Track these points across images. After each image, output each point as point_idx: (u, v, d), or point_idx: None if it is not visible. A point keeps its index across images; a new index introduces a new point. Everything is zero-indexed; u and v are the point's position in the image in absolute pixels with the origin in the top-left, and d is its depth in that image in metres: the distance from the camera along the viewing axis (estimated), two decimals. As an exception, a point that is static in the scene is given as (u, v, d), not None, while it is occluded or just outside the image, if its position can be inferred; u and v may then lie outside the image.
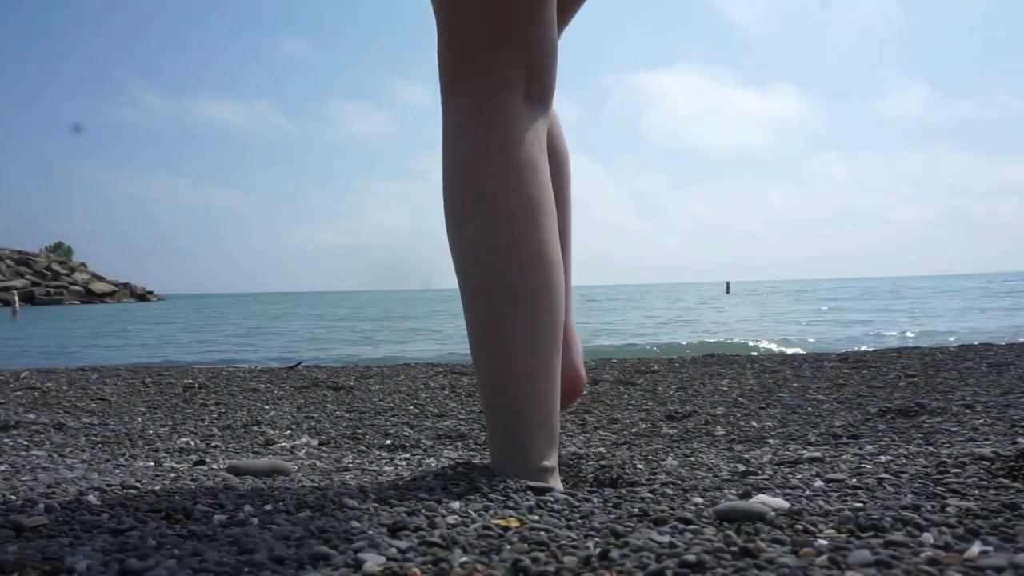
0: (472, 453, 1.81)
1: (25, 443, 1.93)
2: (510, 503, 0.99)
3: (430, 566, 0.72)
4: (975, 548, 0.72)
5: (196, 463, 1.66)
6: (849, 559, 0.68)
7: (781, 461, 1.42)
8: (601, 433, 2.15)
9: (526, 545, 0.77)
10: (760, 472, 1.24)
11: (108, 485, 1.09)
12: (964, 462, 1.20)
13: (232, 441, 2.10)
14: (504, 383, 1.05)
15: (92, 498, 0.97)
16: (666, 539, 0.77)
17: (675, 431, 2.12)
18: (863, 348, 5.91)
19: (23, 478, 1.37)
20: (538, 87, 1.08)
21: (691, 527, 0.84)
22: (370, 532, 0.83)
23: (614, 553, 0.72)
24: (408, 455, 1.88)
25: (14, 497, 0.97)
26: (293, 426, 2.38)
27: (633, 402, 2.78)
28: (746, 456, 1.54)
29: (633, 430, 2.18)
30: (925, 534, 0.78)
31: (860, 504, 0.95)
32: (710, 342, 8.70)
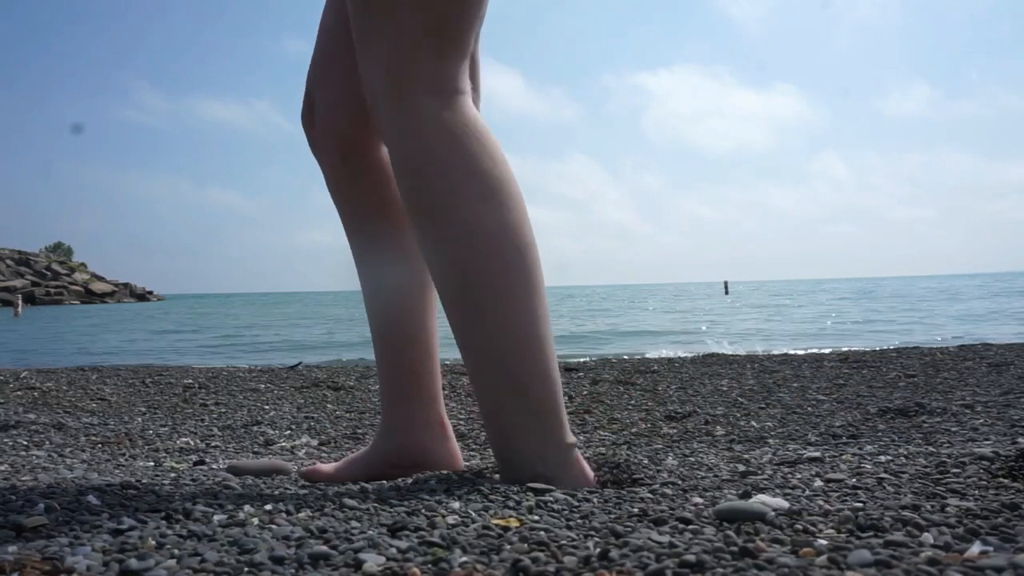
0: (472, 453, 1.81)
1: (25, 443, 1.93)
2: (510, 503, 0.99)
3: (430, 566, 0.72)
4: (975, 548, 0.72)
5: (196, 463, 1.66)
6: (849, 559, 0.68)
7: (781, 461, 1.42)
8: (601, 433, 2.15)
9: (526, 545, 0.77)
10: (760, 472, 1.24)
11: (108, 485, 1.09)
12: (964, 462, 1.20)
13: (232, 441, 2.10)
14: (519, 364, 1.04)
15: (92, 498, 0.97)
16: (666, 539, 0.77)
17: (675, 431, 2.12)
18: (863, 348, 5.92)
19: (23, 478, 1.37)
20: (475, 94, 1.16)
21: (691, 527, 0.84)
22: (370, 532, 0.84)
23: (614, 553, 0.72)
24: (408, 455, 1.88)
25: (14, 497, 0.97)
26: (293, 426, 2.38)
27: (633, 402, 2.78)
28: (746, 456, 1.54)
29: (633, 430, 2.18)
30: (925, 534, 0.78)
31: (860, 504, 0.95)
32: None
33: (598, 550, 0.74)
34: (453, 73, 1.09)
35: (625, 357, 5.54)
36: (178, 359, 7.84)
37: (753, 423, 2.19)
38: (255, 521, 0.88)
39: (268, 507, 0.96)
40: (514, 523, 0.89)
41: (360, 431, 2.26)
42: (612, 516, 0.92)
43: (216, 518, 0.90)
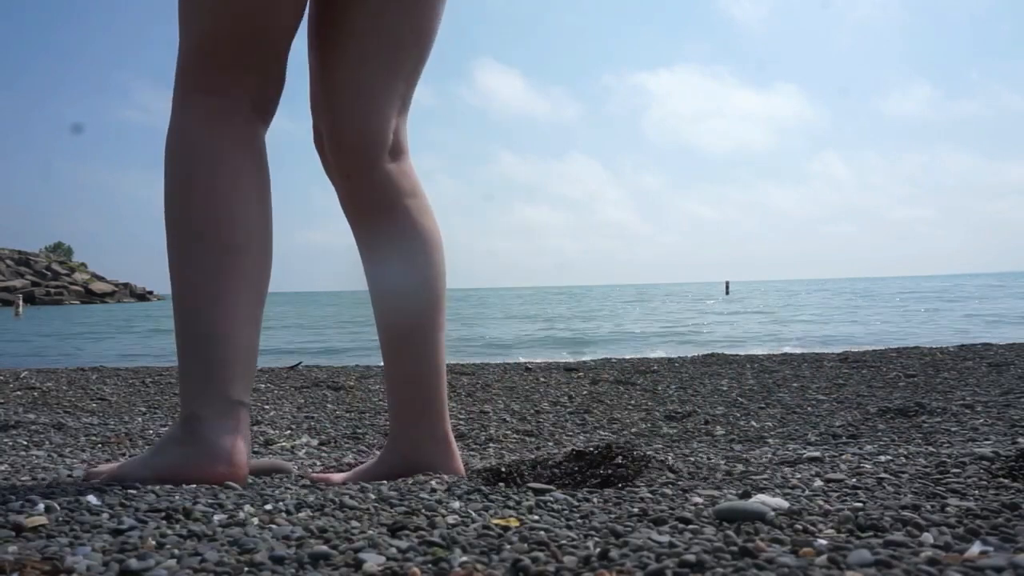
0: (472, 453, 1.81)
1: (25, 443, 1.94)
2: (510, 503, 0.99)
3: (430, 566, 0.72)
4: (975, 548, 0.72)
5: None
6: (849, 559, 0.68)
7: (781, 461, 1.42)
8: (601, 433, 2.15)
9: (526, 545, 0.77)
10: (760, 472, 1.24)
11: (108, 485, 1.09)
12: (964, 462, 1.20)
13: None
14: (194, 318, 1.15)
15: (92, 498, 0.97)
16: (666, 539, 0.77)
17: (675, 431, 2.12)
18: (863, 348, 5.92)
19: (23, 478, 1.37)
20: (268, 103, 1.25)
21: (691, 527, 0.84)
22: (370, 532, 0.84)
23: (614, 553, 0.72)
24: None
25: (14, 497, 0.97)
26: (293, 426, 2.38)
27: (633, 402, 2.78)
28: (746, 456, 1.54)
29: (633, 430, 2.18)
30: (925, 534, 0.78)
31: (860, 504, 0.95)
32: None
33: (598, 550, 0.74)
34: (229, 80, 1.21)
35: (626, 356, 5.54)
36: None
37: (753, 423, 2.19)
38: (255, 521, 0.88)
39: (268, 507, 0.96)
40: (514, 523, 0.89)
41: (360, 431, 2.26)
42: (612, 516, 0.92)
43: (216, 518, 0.90)
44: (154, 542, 0.79)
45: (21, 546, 0.77)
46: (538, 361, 5.31)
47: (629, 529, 0.83)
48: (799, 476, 1.18)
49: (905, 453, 1.42)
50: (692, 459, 1.47)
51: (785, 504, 0.92)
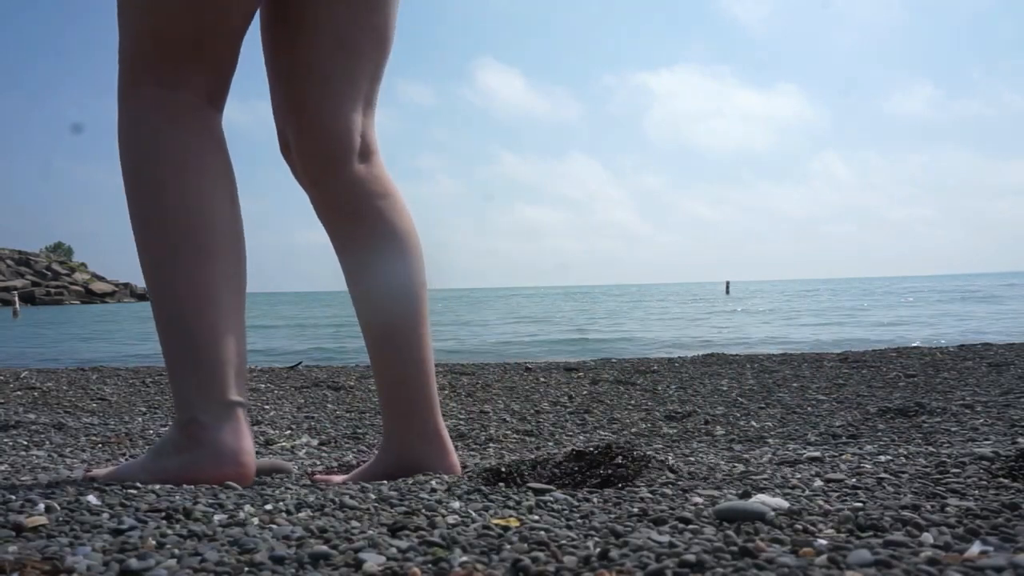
0: (472, 453, 1.81)
1: (25, 443, 1.94)
2: (510, 503, 1.00)
3: (430, 566, 0.72)
4: (975, 548, 0.72)
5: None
6: (849, 559, 0.68)
7: (781, 461, 1.42)
8: (601, 433, 2.15)
9: (526, 545, 0.77)
10: (760, 472, 1.24)
11: (108, 485, 1.09)
12: (964, 462, 1.20)
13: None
14: (187, 318, 1.13)
15: (92, 498, 0.97)
16: (666, 539, 0.77)
17: (675, 431, 2.12)
18: (863, 348, 5.92)
19: (23, 478, 1.37)
20: (219, 93, 1.22)
21: (691, 527, 0.84)
22: (370, 532, 0.84)
23: (614, 553, 0.72)
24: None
25: (14, 497, 0.97)
26: (293, 426, 2.38)
27: (633, 402, 2.78)
28: (746, 456, 1.54)
29: (633, 430, 2.18)
30: (925, 534, 0.78)
31: (860, 504, 0.95)
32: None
33: (598, 550, 0.74)
34: (179, 70, 1.18)
35: (626, 356, 5.54)
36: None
37: (753, 423, 2.19)
38: (255, 521, 0.88)
39: (268, 507, 0.96)
40: (514, 523, 0.89)
41: (360, 431, 2.26)
42: (612, 516, 0.92)
43: (216, 518, 0.90)
44: (154, 542, 0.79)
45: (21, 546, 0.77)
46: (538, 361, 5.31)
47: (629, 529, 0.83)
48: (799, 476, 1.18)
49: (905, 453, 1.42)
50: (692, 459, 1.47)
51: (785, 504, 0.92)
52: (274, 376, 4.15)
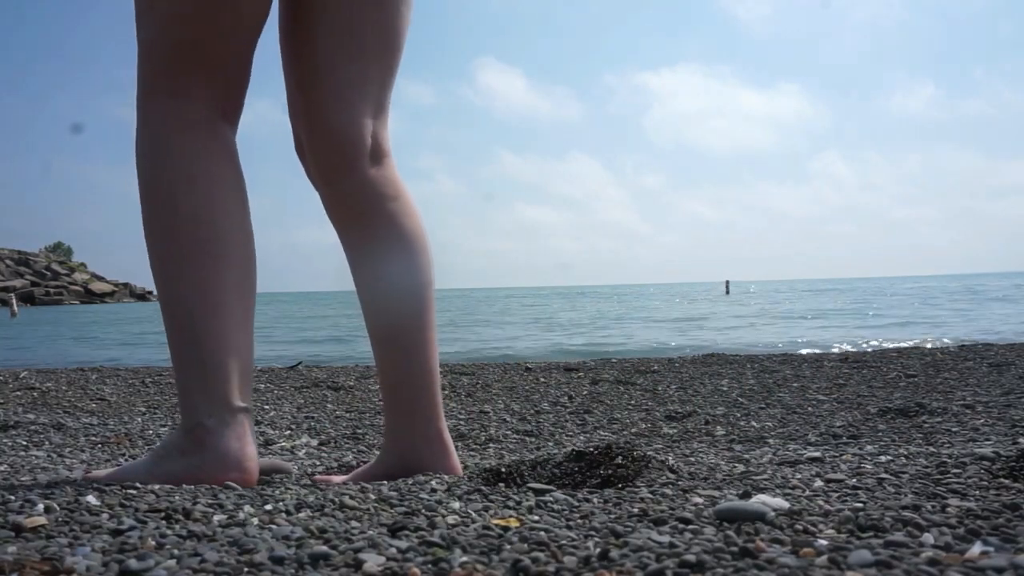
0: (472, 453, 1.81)
1: (24, 443, 1.93)
2: (510, 503, 0.99)
3: (430, 566, 0.72)
4: (976, 548, 0.72)
5: (196, 463, 1.66)
6: (849, 559, 0.68)
7: (781, 461, 1.42)
8: (601, 433, 2.15)
9: (526, 545, 0.77)
10: (760, 472, 1.24)
11: (108, 485, 1.09)
12: (965, 462, 1.20)
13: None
14: (188, 324, 1.15)
15: (91, 498, 0.97)
16: (666, 539, 0.77)
17: (675, 431, 2.12)
18: (863, 348, 5.92)
19: (23, 478, 1.37)
20: (231, 105, 1.26)
21: (691, 527, 0.84)
22: (370, 532, 0.83)
23: (614, 553, 0.72)
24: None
25: (13, 497, 0.97)
26: (293, 426, 2.38)
27: (633, 402, 2.78)
28: (746, 456, 1.54)
29: (633, 430, 2.18)
30: (925, 534, 0.78)
31: (860, 504, 0.95)
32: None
33: (598, 550, 0.74)
34: (189, 82, 1.21)
35: (626, 356, 5.54)
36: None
37: (753, 423, 2.19)
38: (255, 521, 0.88)
39: (268, 507, 0.96)
40: (514, 523, 0.89)
41: (360, 431, 2.26)
42: (612, 516, 0.92)
43: (216, 518, 0.90)
44: (154, 542, 0.79)
45: (21, 546, 0.77)
46: (538, 361, 5.31)
47: (629, 529, 0.83)
48: (799, 476, 1.18)
49: (905, 453, 1.42)
50: (692, 459, 1.47)
51: (785, 504, 0.92)
52: (274, 376, 4.15)
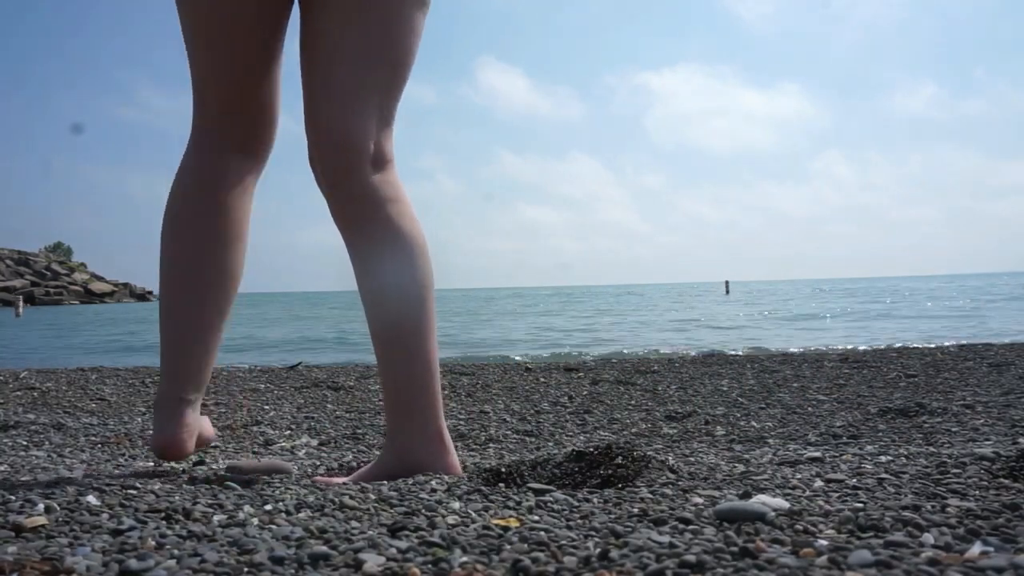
0: (472, 453, 1.81)
1: (25, 443, 1.93)
2: (510, 503, 0.99)
3: (430, 566, 0.72)
4: (976, 548, 0.72)
5: (196, 463, 1.66)
6: (849, 559, 0.68)
7: (781, 461, 1.42)
8: (601, 433, 2.15)
9: (526, 545, 0.77)
10: (760, 472, 1.24)
11: (108, 485, 1.09)
12: (965, 462, 1.20)
13: (232, 441, 2.10)
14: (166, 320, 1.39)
15: (92, 498, 0.97)
16: (666, 539, 0.77)
17: (675, 431, 2.12)
18: (863, 348, 5.92)
19: (23, 478, 1.37)
20: (256, 143, 1.43)
21: (691, 527, 0.84)
22: (370, 532, 0.83)
23: (614, 553, 0.72)
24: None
25: (13, 497, 0.97)
26: (293, 426, 2.38)
27: (633, 402, 2.78)
28: (746, 456, 1.54)
29: (633, 430, 2.18)
30: (925, 534, 0.78)
31: (860, 504, 0.95)
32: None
33: (598, 550, 0.74)
34: (214, 123, 1.40)
35: (626, 356, 5.54)
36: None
37: (753, 423, 2.19)
38: (255, 521, 0.88)
39: (268, 507, 0.96)
40: (514, 523, 0.89)
41: (360, 431, 2.26)
42: (612, 516, 0.92)
43: (216, 518, 0.90)
44: (154, 542, 0.79)
45: (21, 546, 0.77)
46: (538, 361, 5.32)
47: (629, 529, 0.83)
48: (799, 476, 1.18)
49: (906, 453, 1.42)
50: (692, 459, 1.47)
51: (785, 504, 0.92)
52: (274, 376, 4.15)
